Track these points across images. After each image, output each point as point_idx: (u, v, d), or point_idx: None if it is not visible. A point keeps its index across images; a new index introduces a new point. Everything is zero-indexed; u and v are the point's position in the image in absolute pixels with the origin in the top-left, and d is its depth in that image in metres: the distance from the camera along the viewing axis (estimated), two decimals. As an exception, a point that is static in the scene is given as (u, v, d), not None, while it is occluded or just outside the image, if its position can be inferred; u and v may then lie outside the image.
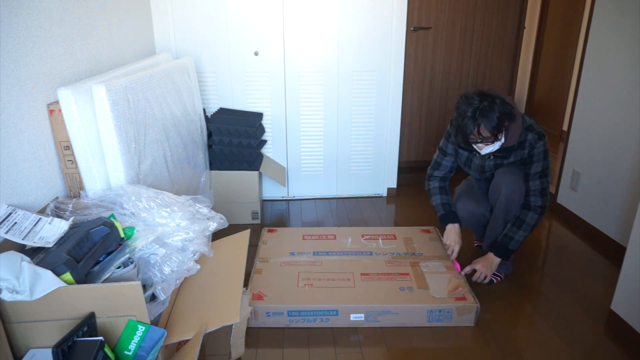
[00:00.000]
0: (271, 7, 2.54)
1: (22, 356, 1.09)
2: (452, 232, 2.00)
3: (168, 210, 1.39)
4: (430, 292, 1.79)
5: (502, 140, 1.77)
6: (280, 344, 1.67)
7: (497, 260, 1.92)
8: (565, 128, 3.35)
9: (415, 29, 3.13)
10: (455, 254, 1.99)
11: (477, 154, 1.90)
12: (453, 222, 2.00)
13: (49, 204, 1.37)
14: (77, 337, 1.03)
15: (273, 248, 2.12)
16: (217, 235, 1.57)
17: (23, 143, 1.34)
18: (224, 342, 1.65)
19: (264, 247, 2.13)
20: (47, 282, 1.03)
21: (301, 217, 2.71)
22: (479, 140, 1.74)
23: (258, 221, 2.58)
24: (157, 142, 1.79)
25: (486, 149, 1.79)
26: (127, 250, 1.24)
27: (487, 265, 1.92)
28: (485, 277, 1.93)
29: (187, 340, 1.22)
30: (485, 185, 2.07)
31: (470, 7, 3.12)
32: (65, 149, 1.50)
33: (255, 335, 1.71)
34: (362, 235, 2.19)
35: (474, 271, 1.95)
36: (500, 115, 1.67)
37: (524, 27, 3.28)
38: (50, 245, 1.15)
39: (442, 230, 2.07)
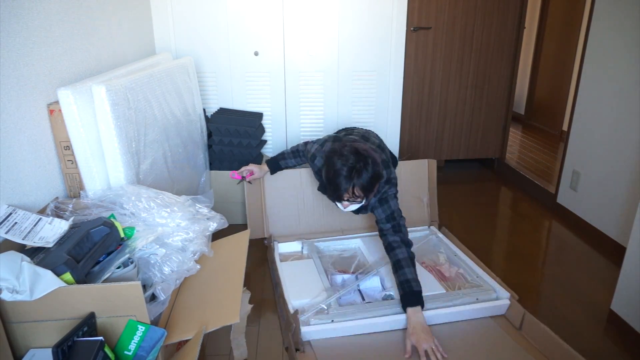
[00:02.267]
0: (271, 7, 2.54)
1: (22, 356, 1.09)
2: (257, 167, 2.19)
3: (168, 210, 1.39)
4: None
5: (361, 203, 1.74)
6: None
7: (421, 314, 1.62)
8: (565, 128, 3.35)
9: (415, 29, 3.13)
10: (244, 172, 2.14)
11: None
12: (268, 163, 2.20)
13: (49, 204, 1.37)
14: (77, 337, 1.03)
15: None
16: (217, 235, 1.57)
17: (23, 143, 1.34)
18: (224, 342, 1.65)
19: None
20: (47, 282, 1.03)
21: (301, 217, 2.71)
22: (350, 199, 1.68)
23: (258, 221, 2.58)
24: (157, 142, 1.79)
25: (350, 207, 1.75)
26: (127, 250, 1.24)
27: (424, 333, 1.56)
28: (440, 350, 1.53)
29: (187, 340, 1.22)
30: None
31: (470, 7, 3.11)
32: (65, 149, 1.50)
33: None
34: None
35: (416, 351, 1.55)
36: (372, 176, 1.62)
37: (524, 27, 3.28)
38: (50, 245, 1.15)
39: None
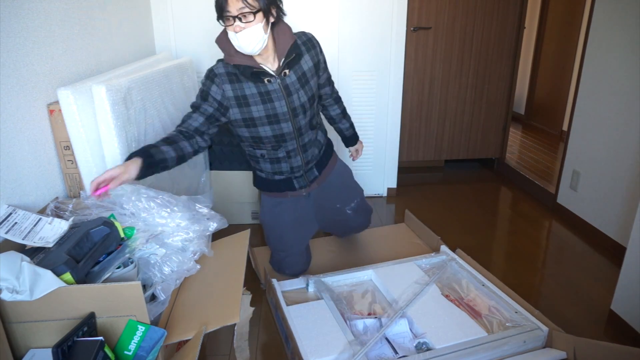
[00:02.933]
0: (271, 7, 2.54)
1: (22, 356, 1.09)
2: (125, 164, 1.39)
3: (168, 210, 1.39)
4: None
5: (265, 33, 1.50)
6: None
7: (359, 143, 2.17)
8: (565, 128, 3.35)
9: (415, 29, 3.13)
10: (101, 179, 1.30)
11: (269, 79, 1.60)
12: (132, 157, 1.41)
13: (49, 204, 1.37)
14: (77, 337, 1.03)
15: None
16: (217, 235, 1.57)
17: (23, 143, 1.34)
18: (224, 342, 1.65)
19: None
20: (47, 282, 1.03)
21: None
22: (238, 13, 1.43)
23: (258, 221, 2.58)
24: (157, 142, 1.79)
25: (247, 32, 1.46)
26: (127, 250, 1.24)
27: (360, 148, 2.19)
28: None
29: (187, 340, 1.22)
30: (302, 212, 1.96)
31: (470, 7, 3.11)
32: (65, 149, 1.50)
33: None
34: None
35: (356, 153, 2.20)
36: None
37: (524, 27, 3.27)
38: (50, 246, 1.15)
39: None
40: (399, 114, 2.83)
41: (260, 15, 1.47)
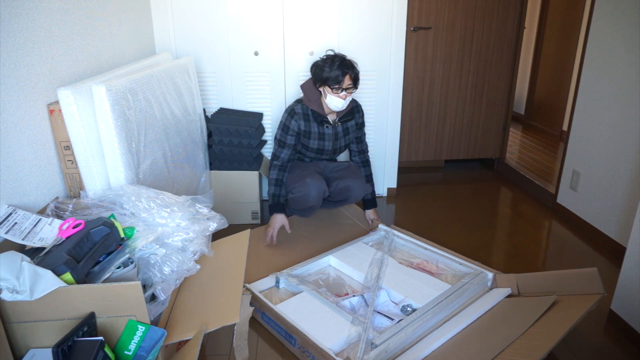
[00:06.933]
0: (271, 7, 2.54)
1: (22, 356, 1.09)
2: (277, 221, 2.22)
3: (168, 210, 1.39)
4: None
5: (351, 97, 2.19)
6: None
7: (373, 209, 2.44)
8: (565, 128, 3.35)
9: (415, 29, 3.13)
10: (274, 239, 2.22)
11: (327, 125, 2.23)
12: (279, 212, 2.23)
13: (49, 204, 1.37)
14: (77, 337, 1.03)
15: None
16: (217, 235, 1.57)
17: (23, 143, 1.34)
18: (224, 342, 1.65)
19: None
20: (47, 282, 1.03)
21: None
22: (347, 87, 2.10)
23: (258, 221, 2.58)
24: (157, 142, 1.79)
25: (346, 101, 2.13)
26: (127, 250, 1.24)
27: (376, 214, 2.44)
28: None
29: (187, 340, 1.22)
30: (322, 166, 2.40)
31: (470, 7, 3.12)
32: (65, 149, 1.50)
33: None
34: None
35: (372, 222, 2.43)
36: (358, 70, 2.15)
37: (524, 27, 3.28)
38: (49, 246, 1.15)
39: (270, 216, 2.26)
40: (399, 114, 2.83)
41: (354, 90, 2.15)
